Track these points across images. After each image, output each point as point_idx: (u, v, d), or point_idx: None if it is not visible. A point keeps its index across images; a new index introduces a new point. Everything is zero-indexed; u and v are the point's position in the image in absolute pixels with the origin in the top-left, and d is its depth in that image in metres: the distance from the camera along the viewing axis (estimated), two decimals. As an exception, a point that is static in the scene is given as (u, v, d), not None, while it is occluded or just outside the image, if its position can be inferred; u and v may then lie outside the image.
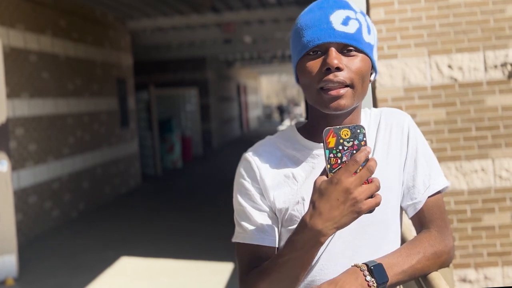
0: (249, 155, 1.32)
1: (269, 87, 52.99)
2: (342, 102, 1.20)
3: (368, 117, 1.35)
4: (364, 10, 4.24)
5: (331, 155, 1.06)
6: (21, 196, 7.59)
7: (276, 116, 40.11)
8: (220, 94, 21.66)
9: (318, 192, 1.07)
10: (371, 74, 1.29)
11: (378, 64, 4.40)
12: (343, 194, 1.04)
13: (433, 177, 1.30)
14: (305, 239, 1.09)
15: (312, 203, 1.08)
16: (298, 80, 1.30)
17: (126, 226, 8.41)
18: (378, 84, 4.41)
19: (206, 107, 19.14)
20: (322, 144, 1.27)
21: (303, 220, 1.10)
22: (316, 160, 1.28)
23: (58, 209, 8.76)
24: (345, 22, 1.21)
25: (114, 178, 11.29)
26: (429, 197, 1.28)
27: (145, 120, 14.12)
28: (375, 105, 4.35)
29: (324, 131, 1.07)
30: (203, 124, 19.05)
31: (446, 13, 4.39)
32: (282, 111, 37.16)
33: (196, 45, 17.49)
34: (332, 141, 1.06)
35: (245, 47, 17.63)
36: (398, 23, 4.41)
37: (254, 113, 34.62)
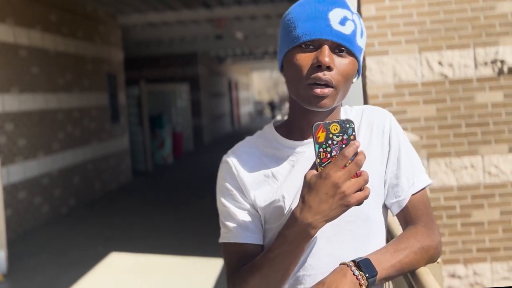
0: (228, 157, 1.34)
1: (261, 83, 52.98)
2: (325, 101, 1.21)
3: (349, 114, 1.36)
4: (355, 7, 4.24)
5: (321, 149, 1.08)
6: (10, 192, 7.54)
7: (267, 112, 40.12)
8: (211, 90, 21.63)
9: (308, 186, 1.09)
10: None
11: (369, 61, 4.41)
12: (332, 188, 1.07)
13: (416, 175, 1.31)
14: (296, 233, 1.12)
15: (302, 197, 1.10)
16: (282, 69, 1.31)
17: (116, 222, 8.39)
18: (369, 81, 4.41)
19: (197, 103, 19.10)
20: (300, 142, 1.29)
21: (293, 214, 1.12)
22: (295, 157, 1.30)
23: (48, 205, 8.72)
24: (343, 22, 1.21)
25: (105, 173, 11.25)
26: (413, 194, 1.29)
27: (136, 115, 14.07)
28: (365, 101, 4.36)
29: (314, 126, 1.08)
30: (194, 120, 19.01)
31: (437, 10, 4.40)
32: (274, 107, 37.16)
33: (187, 41, 17.44)
34: (321, 136, 1.08)
35: (236, 43, 17.60)
36: (389, 20, 4.42)
37: (245, 109, 34.60)
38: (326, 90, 1.20)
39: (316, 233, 1.11)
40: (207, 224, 7.67)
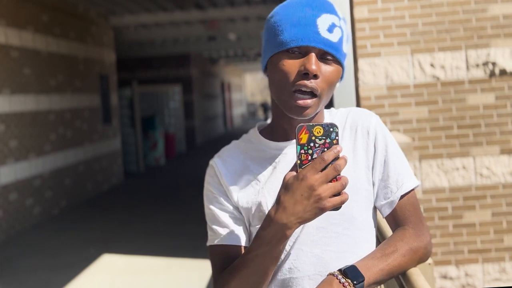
0: (213, 161, 1.36)
1: (254, 84, 52.98)
2: (306, 111, 1.21)
3: (334, 117, 1.35)
4: (348, 8, 4.25)
5: (302, 151, 1.07)
6: (1, 193, 7.50)
7: (260, 113, 40.13)
8: (204, 91, 21.61)
9: (285, 187, 1.09)
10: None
11: (361, 63, 4.42)
12: (307, 190, 1.05)
13: (405, 176, 1.30)
14: (272, 233, 1.11)
15: (278, 197, 1.10)
16: (265, 71, 1.30)
17: (108, 224, 8.36)
18: (361, 82, 4.42)
19: (189, 104, 19.07)
20: (283, 143, 1.29)
21: (268, 215, 1.12)
22: (278, 159, 1.30)
23: (39, 206, 8.68)
24: (331, 29, 1.21)
25: (96, 175, 11.21)
26: (402, 195, 1.29)
27: (128, 117, 14.03)
28: (358, 103, 4.36)
29: (297, 127, 1.08)
30: (186, 121, 18.98)
31: (429, 12, 4.42)
32: (266, 108, 37.16)
33: (180, 42, 17.41)
34: (304, 138, 1.07)
35: (229, 44, 17.60)
36: (382, 22, 4.43)
37: (238, 111, 34.59)
38: (309, 101, 1.20)
39: (291, 234, 1.10)
40: (199, 225, 7.65)
